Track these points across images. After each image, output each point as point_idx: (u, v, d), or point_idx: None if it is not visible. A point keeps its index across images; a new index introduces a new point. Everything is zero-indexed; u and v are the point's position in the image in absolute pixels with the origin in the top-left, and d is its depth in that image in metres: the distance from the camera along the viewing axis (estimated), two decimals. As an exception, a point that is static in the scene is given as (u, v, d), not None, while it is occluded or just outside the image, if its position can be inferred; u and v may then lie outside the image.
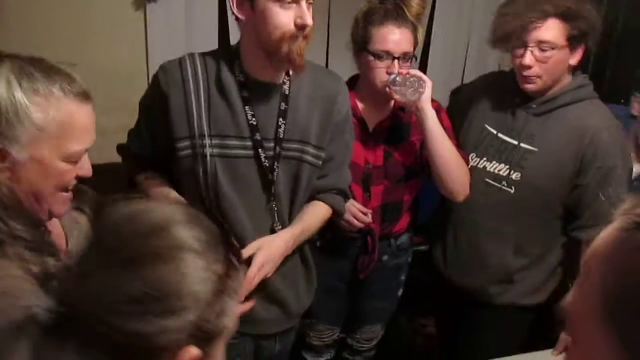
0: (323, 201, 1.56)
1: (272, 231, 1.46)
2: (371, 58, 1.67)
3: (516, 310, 1.85)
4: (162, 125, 1.40)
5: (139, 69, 2.52)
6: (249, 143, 1.39)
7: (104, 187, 2.25)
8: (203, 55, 1.42)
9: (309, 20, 1.29)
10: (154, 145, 1.47)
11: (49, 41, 2.40)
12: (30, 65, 0.92)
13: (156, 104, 1.40)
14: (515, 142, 1.75)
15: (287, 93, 1.43)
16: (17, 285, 0.87)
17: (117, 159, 2.41)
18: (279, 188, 1.44)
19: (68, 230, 1.13)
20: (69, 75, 0.96)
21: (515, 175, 1.74)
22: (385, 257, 1.91)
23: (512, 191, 1.75)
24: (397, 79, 1.65)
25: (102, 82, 2.48)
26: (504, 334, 1.85)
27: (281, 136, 1.42)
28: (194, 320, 0.61)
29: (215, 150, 1.37)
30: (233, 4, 1.32)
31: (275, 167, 1.42)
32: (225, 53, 1.42)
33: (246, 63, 1.38)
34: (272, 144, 1.41)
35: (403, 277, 2.03)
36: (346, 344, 2.06)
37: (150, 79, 2.48)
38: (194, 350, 0.62)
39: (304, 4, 1.28)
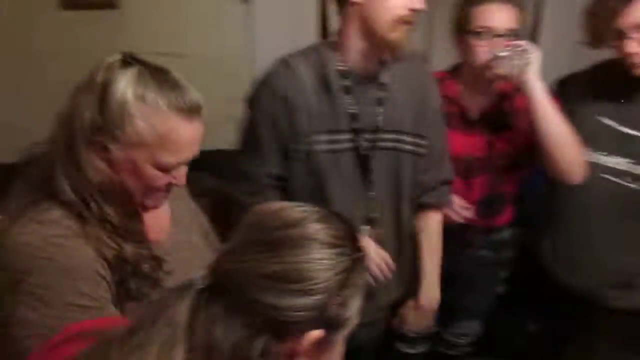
0: (428, 206, 1.59)
1: (370, 220, 1.47)
2: (472, 38, 1.60)
3: (637, 317, 1.70)
4: (284, 135, 1.41)
5: (246, 60, 2.61)
6: (349, 135, 1.41)
7: (212, 172, 2.41)
8: (303, 52, 1.45)
9: (422, 5, 1.30)
10: (278, 162, 1.46)
11: (162, 32, 2.57)
12: (150, 74, 0.95)
13: (279, 112, 1.40)
14: (638, 134, 1.61)
15: (384, 81, 1.43)
16: (84, 265, 0.94)
17: (224, 145, 2.55)
18: (376, 177, 1.45)
19: (178, 215, 1.19)
20: (183, 91, 0.97)
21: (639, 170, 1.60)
22: (484, 252, 1.84)
23: (635, 186, 1.61)
24: (501, 53, 1.54)
25: (210, 73, 2.62)
26: (620, 340, 1.72)
27: (380, 125, 1.43)
28: (320, 305, 0.69)
29: (324, 147, 1.40)
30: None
31: (372, 156, 1.43)
32: (325, 45, 1.44)
33: (347, 53, 1.39)
34: (368, 135, 1.42)
35: (504, 274, 1.94)
36: (442, 338, 2.02)
37: (257, 69, 2.61)
38: (318, 332, 0.70)
39: None
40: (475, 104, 1.72)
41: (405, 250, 1.60)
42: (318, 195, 1.41)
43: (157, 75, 0.96)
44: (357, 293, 0.74)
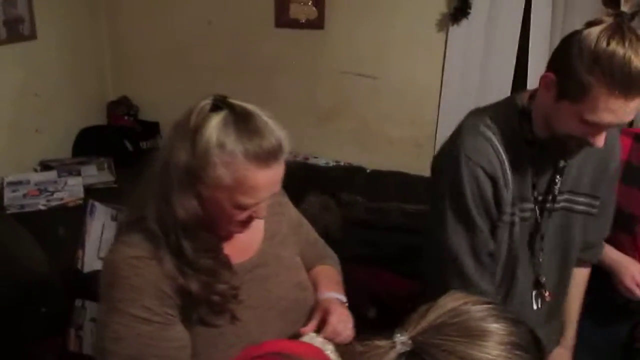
0: (583, 262, 1.57)
1: (537, 283, 1.48)
2: None
3: None
4: (492, 211, 1.38)
5: (432, 87, 2.70)
6: (532, 204, 1.40)
7: (391, 190, 2.58)
8: (494, 118, 1.38)
9: (601, 144, 1.23)
10: (490, 238, 1.40)
11: (361, 53, 2.75)
12: (234, 121, 1.00)
13: (486, 189, 1.36)
14: None
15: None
16: (150, 283, 1.03)
17: (403, 168, 2.71)
18: (546, 241, 1.45)
19: (273, 231, 1.24)
20: (262, 137, 1.01)
21: None
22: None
23: None
24: None
25: (397, 96, 2.77)
26: None
27: (555, 192, 1.41)
28: None
29: (517, 216, 1.39)
30: (543, 79, 1.26)
31: (545, 221, 1.42)
32: (514, 111, 1.37)
33: (535, 123, 1.35)
34: (544, 200, 1.41)
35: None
36: None
37: (441, 97, 2.71)
38: None
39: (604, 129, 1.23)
40: None
41: (562, 310, 1.61)
42: (505, 262, 1.42)
43: (240, 122, 1.00)
44: None
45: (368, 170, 2.73)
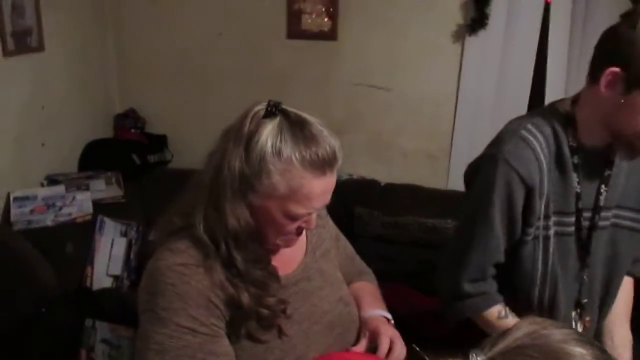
0: (630, 275, 1.50)
1: (578, 304, 1.44)
2: None
3: None
4: (518, 220, 1.33)
5: (447, 99, 2.66)
6: (574, 217, 1.35)
7: (406, 203, 2.52)
8: (536, 123, 1.33)
9: None
10: (502, 250, 1.35)
11: (373, 64, 2.71)
12: (290, 127, 0.98)
13: (518, 196, 1.31)
14: None
15: (612, 159, 1.34)
16: (197, 292, 0.99)
17: (418, 181, 2.66)
18: (593, 259, 1.39)
19: (315, 244, 1.21)
20: (318, 145, 0.98)
21: None
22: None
23: None
24: None
25: (411, 108, 2.73)
26: None
27: (601, 204, 1.36)
28: None
29: (553, 229, 1.33)
30: (603, 77, 1.20)
31: (591, 237, 1.36)
32: (558, 117, 1.32)
33: (581, 130, 1.31)
34: (589, 213, 1.36)
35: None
36: None
37: (457, 109, 2.66)
38: None
39: None
40: None
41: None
42: (534, 281, 1.35)
43: (296, 129, 0.98)
44: None
45: (382, 184, 2.67)
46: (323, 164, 0.99)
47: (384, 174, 2.71)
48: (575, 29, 2.46)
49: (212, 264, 1.00)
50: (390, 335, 1.15)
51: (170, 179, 2.78)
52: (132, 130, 2.94)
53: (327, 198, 1.04)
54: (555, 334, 0.71)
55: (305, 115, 1.01)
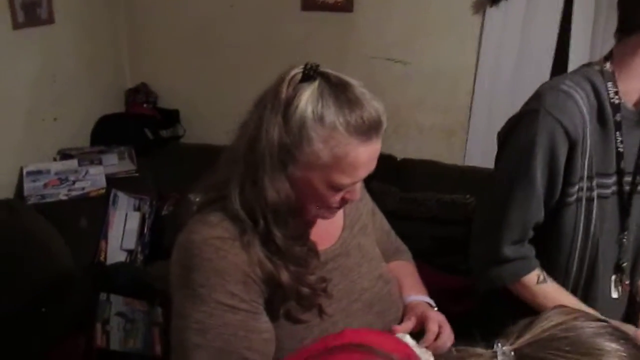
0: None
1: (617, 267, 1.36)
2: None
3: None
4: (560, 177, 1.26)
5: (466, 72, 2.59)
6: (615, 178, 1.29)
7: (423, 179, 2.47)
8: (575, 80, 1.27)
9: None
10: (542, 208, 1.29)
11: (390, 37, 2.64)
12: (331, 91, 0.91)
13: (561, 151, 1.24)
14: None
15: None
16: (235, 267, 0.94)
17: (434, 156, 2.61)
18: (632, 222, 1.34)
19: (353, 219, 1.16)
20: (363, 108, 0.91)
21: None
22: None
23: None
24: None
25: (429, 82, 2.66)
26: None
27: None
28: None
29: (596, 192, 1.27)
30: None
31: (632, 199, 1.31)
32: (595, 75, 1.26)
33: (622, 87, 1.25)
34: (630, 177, 1.30)
35: None
36: None
37: (475, 83, 2.60)
38: None
39: None
40: None
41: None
42: (574, 246, 1.29)
43: (338, 92, 0.91)
44: None
45: (398, 159, 2.62)
46: (369, 129, 0.92)
47: (399, 150, 2.67)
48: (600, -1, 2.37)
49: (250, 240, 0.95)
50: (439, 321, 1.11)
51: (183, 153, 2.76)
52: (144, 105, 2.90)
53: (372, 166, 0.97)
54: (587, 326, 0.68)
55: (345, 77, 0.95)
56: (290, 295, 0.98)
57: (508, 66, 2.54)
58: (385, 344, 0.86)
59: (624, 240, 1.33)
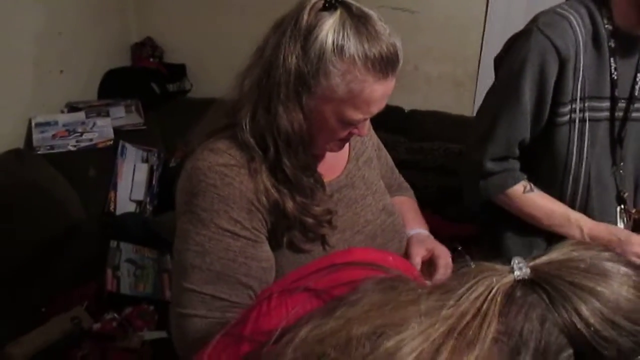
0: None
1: (619, 198, 1.38)
2: None
3: None
4: (549, 95, 1.28)
5: (475, 21, 2.54)
6: (608, 103, 1.31)
7: (431, 131, 2.45)
8: (570, 4, 1.30)
9: None
10: (533, 127, 1.32)
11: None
12: (352, 22, 0.89)
13: (551, 69, 1.25)
14: None
15: None
16: (240, 194, 0.94)
17: (441, 107, 2.58)
18: (626, 151, 1.35)
19: (359, 151, 1.16)
20: (382, 43, 0.90)
21: None
22: None
23: None
24: None
25: (437, 32, 2.61)
26: None
27: (636, 94, 1.31)
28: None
29: (588, 114, 1.29)
30: None
31: (625, 127, 1.33)
32: (592, 0, 1.28)
33: (616, 13, 1.26)
34: (624, 103, 1.31)
35: None
36: None
37: (485, 32, 2.54)
38: None
39: None
40: None
41: None
42: (567, 168, 1.31)
43: (359, 25, 0.89)
44: None
45: (406, 110, 2.60)
46: (387, 66, 0.91)
47: (407, 101, 2.64)
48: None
49: (258, 168, 0.95)
50: (448, 261, 1.12)
51: (190, 108, 2.75)
52: (150, 60, 2.89)
53: (384, 103, 0.96)
54: (603, 252, 0.68)
55: (366, 9, 0.93)
56: (294, 225, 0.98)
57: (518, 16, 2.47)
58: (391, 262, 0.87)
59: (621, 171, 1.34)
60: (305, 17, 0.90)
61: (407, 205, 1.29)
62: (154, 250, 2.05)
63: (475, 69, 2.61)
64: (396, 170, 1.37)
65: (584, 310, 0.63)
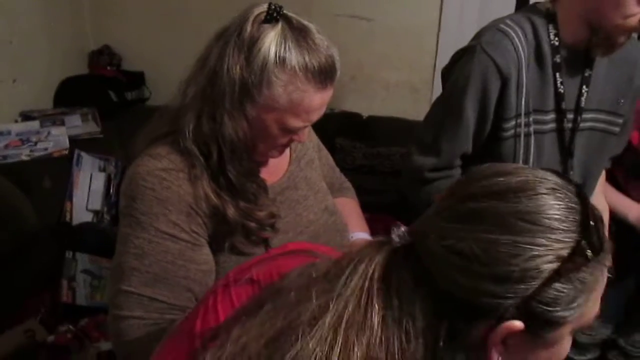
0: None
1: None
2: None
3: None
4: (491, 112, 1.30)
5: (430, 29, 2.60)
6: (553, 115, 1.34)
7: (389, 136, 2.49)
8: (515, 19, 1.32)
9: None
10: (475, 142, 1.35)
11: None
12: (293, 35, 0.92)
13: (492, 87, 1.28)
14: None
15: (592, 57, 1.33)
16: (178, 197, 0.96)
17: (398, 113, 2.63)
18: (574, 161, 1.40)
19: (300, 152, 1.19)
20: (321, 55, 0.93)
21: None
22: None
23: None
24: None
25: (393, 39, 2.67)
26: None
27: (582, 105, 1.36)
28: (521, 295, 0.58)
29: (533, 127, 1.32)
30: None
31: (574, 138, 1.37)
32: (538, 15, 1.30)
33: (563, 28, 1.29)
34: (572, 115, 1.36)
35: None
36: (616, 345, 1.99)
37: (439, 40, 2.61)
38: (516, 324, 0.59)
39: None
40: None
41: None
42: None
43: (299, 37, 0.93)
44: (578, 289, 0.60)
45: (365, 117, 2.64)
46: (326, 76, 0.95)
47: (365, 108, 2.68)
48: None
49: (198, 175, 0.97)
50: None
51: (148, 116, 2.66)
52: (108, 68, 2.86)
53: (323, 111, 1.00)
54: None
55: (304, 21, 0.96)
56: (236, 230, 1.00)
57: (471, 22, 2.54)
58: (326, 250, 0.87)
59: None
60: (248, 28, 0.92)
61: (348, 208, 1.31)
62: (111, 260, 2.02)
63: (431, 76, 2.67)
64: (337, 170, 1.39)
65: (458, 278, 0.60)
